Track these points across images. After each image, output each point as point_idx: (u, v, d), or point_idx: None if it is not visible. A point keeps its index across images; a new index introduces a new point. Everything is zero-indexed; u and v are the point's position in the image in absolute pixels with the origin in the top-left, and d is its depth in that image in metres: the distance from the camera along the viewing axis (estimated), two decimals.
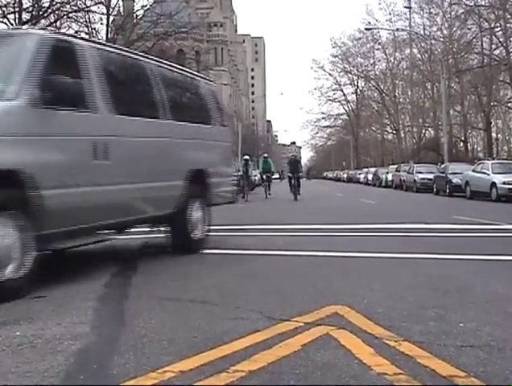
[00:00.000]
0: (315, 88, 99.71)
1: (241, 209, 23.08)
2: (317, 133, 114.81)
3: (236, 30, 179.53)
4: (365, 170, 75.33)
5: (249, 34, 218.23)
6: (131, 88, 9.93)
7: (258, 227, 15.13)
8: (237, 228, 15.04)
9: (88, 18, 26.70)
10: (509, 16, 53.20)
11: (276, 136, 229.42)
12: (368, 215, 19.17)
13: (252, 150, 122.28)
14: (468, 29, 58.90)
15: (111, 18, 26.91)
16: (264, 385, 3.89)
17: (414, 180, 41.47)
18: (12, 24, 37.16)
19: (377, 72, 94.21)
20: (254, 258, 9.96)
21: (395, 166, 54.65)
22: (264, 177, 36.71)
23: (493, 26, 55.72)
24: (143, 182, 9.23)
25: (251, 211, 22.99)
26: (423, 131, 76.87)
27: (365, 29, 79.45)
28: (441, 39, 65.86)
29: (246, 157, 37.84)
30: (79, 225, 7.88)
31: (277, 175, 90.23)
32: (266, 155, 39.35)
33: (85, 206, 7.82)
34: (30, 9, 36.41)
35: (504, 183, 27.18)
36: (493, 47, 57.69)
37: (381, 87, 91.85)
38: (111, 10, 26.14)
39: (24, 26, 37.00)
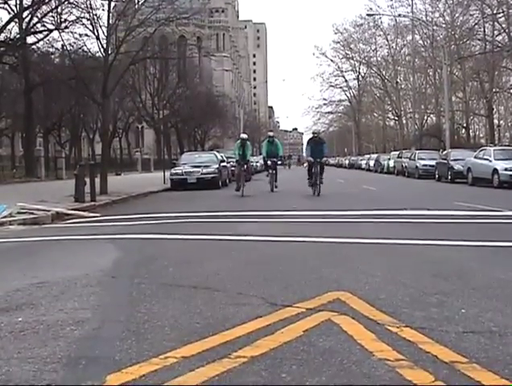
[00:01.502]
0: (317, 74, 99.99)
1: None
2: (319, 119, 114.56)
3: (237, 16, 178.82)
4: (367, 156, 75.25)
5: (250, 20, 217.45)
6: None
7: (259, 213, 15.13)
8: (239, 214, 15.05)
9: (90, 3, 26.46)
10: (511, 2, 52.97)
11: (278, 122, 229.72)
12: (369, 202, 19.16)
13: (254, 136, 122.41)
14: (471, 15, 58.78)
15: (112, 3, 26.70)
16: (266, 370, 3.90)
17: (416, 166, 41.44)
18: (13, 10, 37.12)
19: (378, 58, 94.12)
20: (256, 244, 9.97)
21: (397, 153, 54.57)
22: (269, 163, 27.06)
23: (495, 12, 55.53)
24: None
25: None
26: (425, 117, 76.83)
27: (367, 15, 79.25)
28: (443, 25, 65.66)
29: (243, 136, 27.37)
30: None
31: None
32: (271, 134, 29.33)
33: None
34: None
35: (506, 170, 27.13)
36: (496, 33, 57.54)
37: (383, 73, 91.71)
38: None
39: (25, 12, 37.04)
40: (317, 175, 22.91)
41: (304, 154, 25.39)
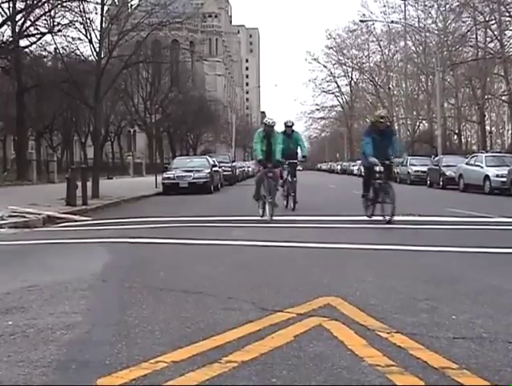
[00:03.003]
0: (310, 80, 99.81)
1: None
2: (311, 124, 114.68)
3: (230, 21, 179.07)
4: (359, 161, 75.24)
5: (243, 25, 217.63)
6: None
7: (251, 218, 15.12)
8: (231, 219, 15.05)
9: (83, 7, 26.47)
10: (503, 9, 53.20)
11: None
12: (361, 207, 19.15)
13: (246, 142, 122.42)
14: (463, 22, 58.95)
15: (105, 7, 26.71)
16: (256, 375, 3.89)
17: (408, 172, 41.54)
18: (6, 13, 37.08)
19: (371, 64, 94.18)
20: (247, 249, 9.96)
21: None
22: (285, 167, 18.41)
23: (487, 19, 55.72)
24: None
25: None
26: (417, 124, 76.98)
27: (360, 21, 79.30)
28: (436, 32, 65.81)
29: (269, 120, 16.81)
30: None
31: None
32: (289, 123, 19.26)
33: None
34: None
35: (497, 176, 27.20)
36: (488, 40, 57.76)
37: (376, 79, 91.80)
38: None
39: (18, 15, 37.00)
40: (387, 189, 14.24)
41: (366, 152, 14.76)
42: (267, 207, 15.14)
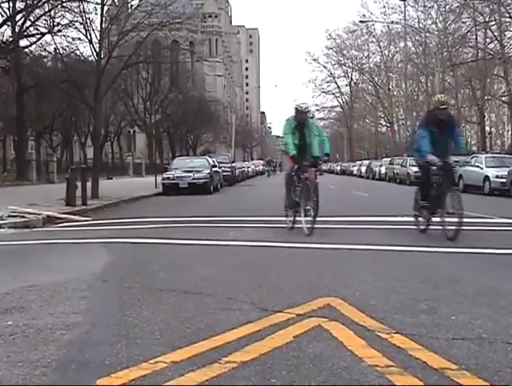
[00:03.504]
0: (310, 80, 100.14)
1: None
2: None
3: (230, 22, 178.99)
4: (359, 162, 75.24)
5: (243, 26, 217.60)
6: None
7: (250, 218, 15.12)
8: (230, 219, 15.05)
9: (83, 7, 26.47)
10: (503, 10, 53.21)
11: (270, 127, 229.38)
12: (361, 208, 19.19)
13: (245, 142, 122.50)
14: (463, 23, 58.95)
15: (105, 8, 26.70)
16: (256, 376, 3.90)
17: (408, 173, 41.43)
18: (6, 13, 37.08)
19: (371, 65, 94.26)
20: (247, 250, 9.97)
21: (389, 159, 54.60)
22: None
23: (487, 19, 55.73)
24: None
25: None
26: (417, 124, 76.89)
27: (360, 21, 79.51)
28: (436, 33, 65.82)
29: (302, 105, 13.06)
30: None
31: (260, 167, 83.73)
32: (303, 108, 12.95)
33: None
34: None
35: (497, 177, 27.21)
36: (488, 40, 57.74)
37: (376, 80, 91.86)
38: None
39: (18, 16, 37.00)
40: (453, 195, 11.41)
41: (422, 148, 11.40)
42: (302, 216, 12.29)
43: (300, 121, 12.85)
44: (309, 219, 12.01)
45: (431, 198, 11.92)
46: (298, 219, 12.59)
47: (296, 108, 12.86)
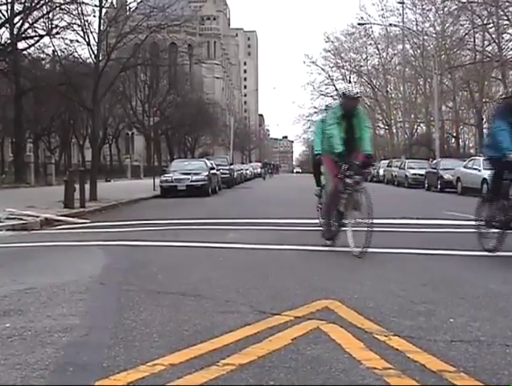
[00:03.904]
0: (308, 83, 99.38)
1: None
2: (309, 127, 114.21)
3: (229, 24, 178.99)
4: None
5: (242, 28, 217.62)
6: None
7: (249, 221, 15.12)
8: (228, 222, 15.04)
9: (81, 10, 26.50)
10: (501, 13, 53.23)
11: (268, 130, 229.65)
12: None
13: (243, 145, 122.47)
14: (461, 25, 58.96)
15: (104, 10, 26.72)
16: (254, 378, 3.89)
17: (406, 175, 41.50)
18: (4, 16, 37.05)
19: (369, 68, 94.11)
20: (245, 252, 9.96)
21: (387, 162, 54.62)
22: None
23: (485, 22, 55.74)
24: None
25: None
26: (415, 127, 76.93)
27: (358, 24, 79.31)
28: (434, 35, 65.86)
29: (351, 90, 10.47)
30: None
31: (258, 169, 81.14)
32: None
33: None
34: (23, 0, 36.24)
35: None
36: (486, 43, 57.77)
37: (374, 82, 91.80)
38: (104, 2, 25.97)
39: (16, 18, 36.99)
40: None
41: (500, 142, 9.01)
42: (349, 234, 9.59)
43: (348, 109, 10.06)
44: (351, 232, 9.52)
45: (499, 210, 9.42)
46: (345, 231, 9.80)
47: (344, 94, 10.24)
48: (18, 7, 37.22)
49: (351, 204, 9.63)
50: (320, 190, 12.40)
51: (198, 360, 4.19)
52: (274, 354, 4.33)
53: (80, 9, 26.56)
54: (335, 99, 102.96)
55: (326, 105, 11.29)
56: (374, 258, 9.25)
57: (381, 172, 52.90)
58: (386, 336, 4.72)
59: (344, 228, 9.89)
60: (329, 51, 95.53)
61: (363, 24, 78.83)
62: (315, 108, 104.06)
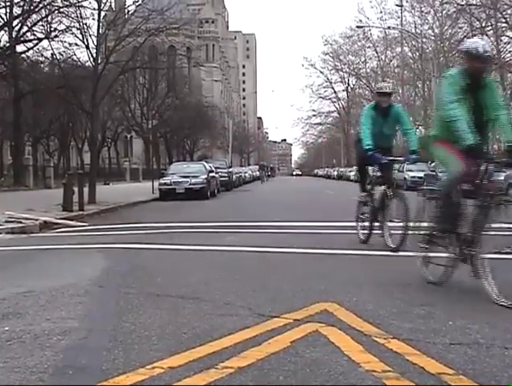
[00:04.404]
0: (306, 86, 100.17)
1: None
2: (308, 130, 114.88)
3: (227, 27, 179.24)
4: (356, 167, 75.07)
5: (240, 31, 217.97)
6: None
7: (247, 224, 15.12)
8: (227, 225, 15.04)
9: (80, 13, 26.54)
10: (500, 15, 53.33)
11: (267, 133, 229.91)
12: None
13: (242, 148, 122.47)
14: (460, 28, 59.02)
15: (102, 13, 26.73)
16: (253, 381, 3.89)
17: (405, 178, 41.48)
18: (3, 19, 37.09)
19: (368, 70, 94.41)
20: (244, 255, 9.95)
21: None
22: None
23: (484, 25, 55.82)
24: None
25: None
26: (414, 129, 77.01)
27: (357, 27, 79.43)
28: (432, 38, 65.95)
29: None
30: None
31: (256, 172, 78.38)
32: (386, 88, 10.43)
33: None
34: (22, 3, 36.30)
35: None
36: None
37: (372, 85, 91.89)
38: (102, 5, 25.96)
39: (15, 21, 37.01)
40: None
41: None
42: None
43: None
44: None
45: None
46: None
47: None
48: (16, 10, 37.33)
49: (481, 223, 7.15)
50: (365, 196, 11.21)
51: (197, 363, 4.19)
52: (273, 357, 4.33)
53: (78, 12, 26.61)
54: (333, 102, 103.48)
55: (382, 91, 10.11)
56: (373, 260, 9.26)
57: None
58: (384, 339, 4.72)
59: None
60: (328, 53, 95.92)
61: (362, 27, 78.99)
62: (313, 110, 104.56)
